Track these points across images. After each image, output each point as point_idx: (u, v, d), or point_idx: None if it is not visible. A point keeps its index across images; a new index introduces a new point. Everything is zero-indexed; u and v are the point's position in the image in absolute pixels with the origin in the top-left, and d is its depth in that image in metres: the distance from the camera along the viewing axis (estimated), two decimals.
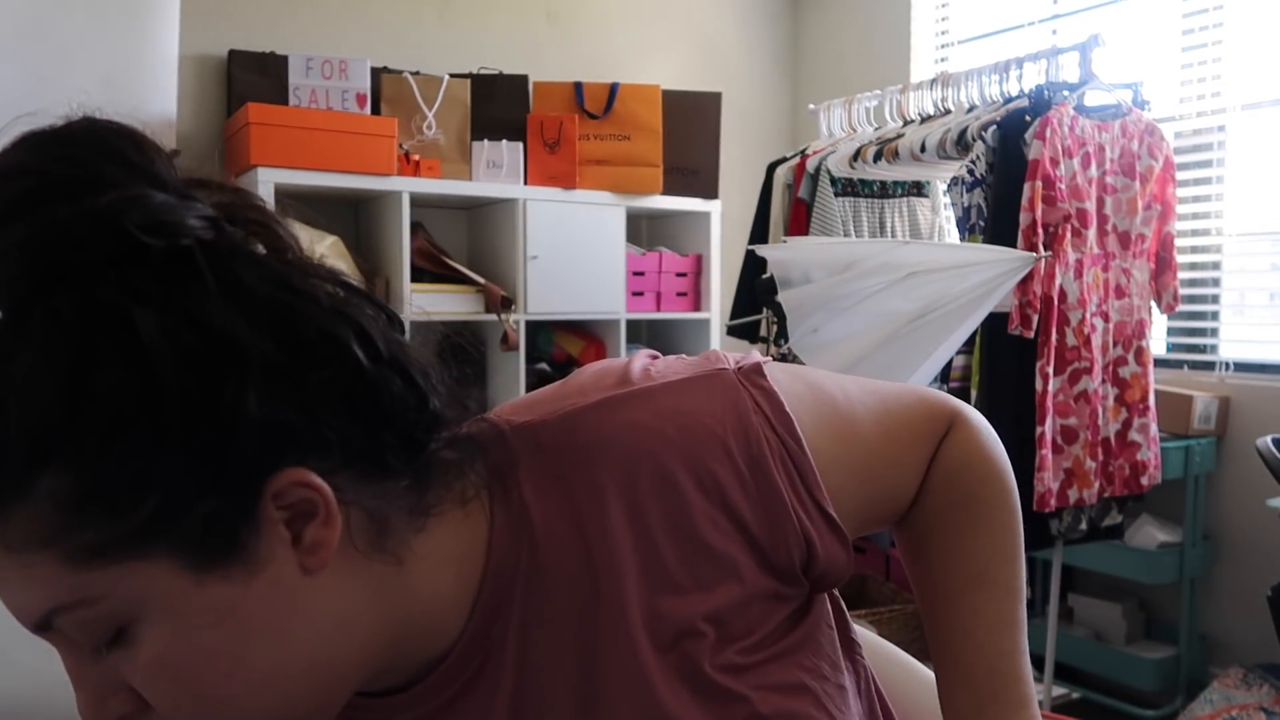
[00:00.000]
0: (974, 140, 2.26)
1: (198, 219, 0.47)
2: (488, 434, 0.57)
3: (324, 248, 2.48)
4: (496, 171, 2.76)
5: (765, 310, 2.69)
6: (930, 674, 0.91)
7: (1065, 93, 2.20)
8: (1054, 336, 2.09)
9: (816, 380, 0.65)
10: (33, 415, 0.43)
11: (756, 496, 0.57)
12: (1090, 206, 2.16)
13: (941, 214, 2.89)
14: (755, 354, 0.63)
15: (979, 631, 0.66)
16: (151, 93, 2.21)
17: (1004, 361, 2.15)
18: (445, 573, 0.54)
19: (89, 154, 0.46)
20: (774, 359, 2.73)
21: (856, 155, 2.62)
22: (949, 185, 2.45)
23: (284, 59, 2.62)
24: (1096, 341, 2.18)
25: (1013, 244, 2.07)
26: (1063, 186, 2.10)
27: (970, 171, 2.24)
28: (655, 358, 0.63)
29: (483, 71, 2.88)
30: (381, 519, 0.51)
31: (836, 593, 0.68)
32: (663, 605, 0.55)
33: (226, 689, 0.48)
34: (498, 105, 2.84)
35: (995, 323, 2.11)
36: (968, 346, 2.24)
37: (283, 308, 0.47)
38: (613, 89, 2.91)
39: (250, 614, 0.47)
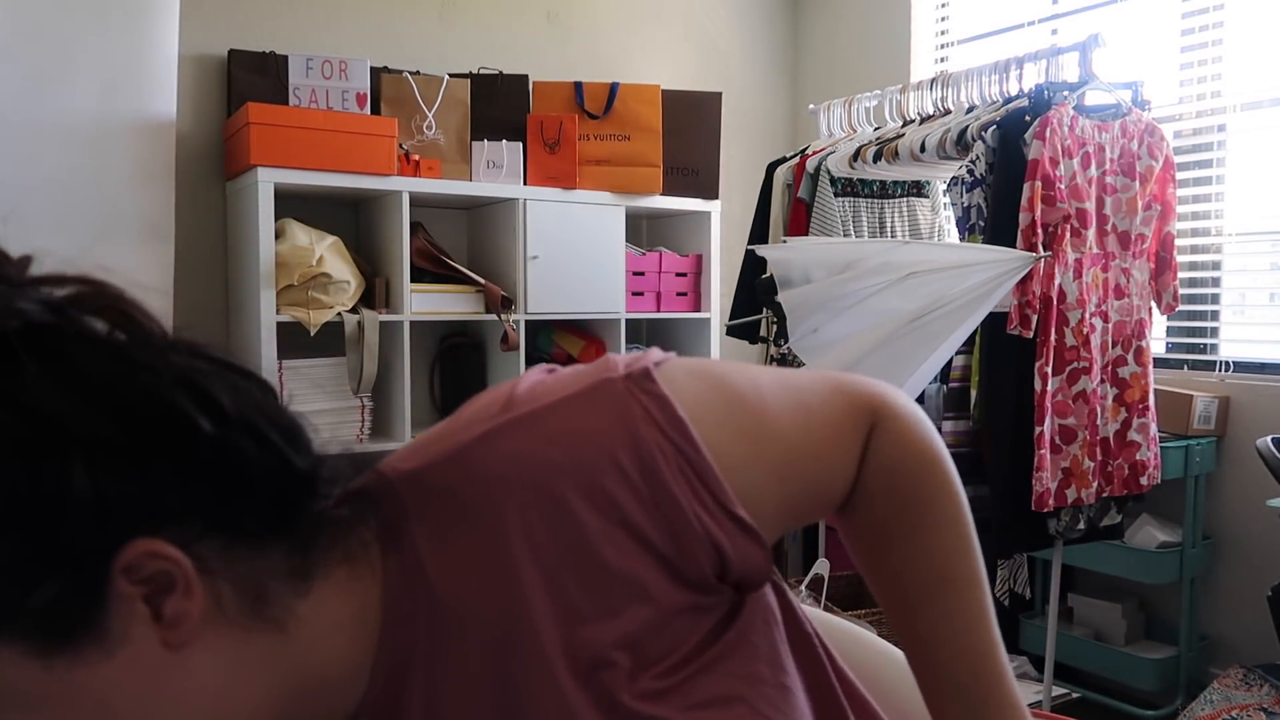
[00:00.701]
0: (974, 140, 2.26)
1: (32, 304, 0.45)
2: (375, 487, 0.55)
3: (324, 248, 2.48)
4: (496, 171, 2.77)
5: (765, 310, 2.69)
6: (864, 632, 0.90)
7: (1065, 93, 2.20)
8: (1053, 336, 2.09)
9: (722, 377, 0.63)
10: None
11: (655, 508, 0.55)
12: (1090, 206, 2.16)
13: (941, 214, 2.89)
14: (651, 353, 0.61)
15: (954, 636, 0.65)
16: (151, 93, 2.21)
17: (1003, 361, 2.15)
18: (338, 637, 0.52)
19: None
20: (774, 359, 2.74)
21: (856, 155, 2.62)
22: (949, 185, 2.46)
23: (284, 59, 2.62)
24: (1096, 341, 2.18)
25: (1012, 244, 2.07)
26: (1062, 186, 2.10)
27: (970, 171, 2.24)
28: (551, 371, 0.61)
29: (483, 71, 2.88)
30: (255, 585, 0.49)
31: (783, 586, 0.66)
32: (576, 635, 0.53)
33: None
34: (498, 105, 2.84)
35: (995, 323, 2.11)
36: (967, 346, 2.24)
37: (117, 383, 0.45)
38: (613, 89, 2.91)
39: (116, 698, 0.45)
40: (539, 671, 0.53)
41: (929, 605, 0.66)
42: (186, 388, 0.47)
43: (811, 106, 3.01)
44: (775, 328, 2.70)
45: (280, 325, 2.42)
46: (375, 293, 2.62)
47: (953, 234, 2.74)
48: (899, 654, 0.92)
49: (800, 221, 2.72)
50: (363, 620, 0.53)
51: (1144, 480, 2.28)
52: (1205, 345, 2.68)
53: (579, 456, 0.55)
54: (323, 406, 2.54)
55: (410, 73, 2.77)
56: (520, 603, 0.53)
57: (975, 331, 2.14)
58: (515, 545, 0.53)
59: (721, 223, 3.13)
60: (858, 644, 0.92)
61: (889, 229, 2.81)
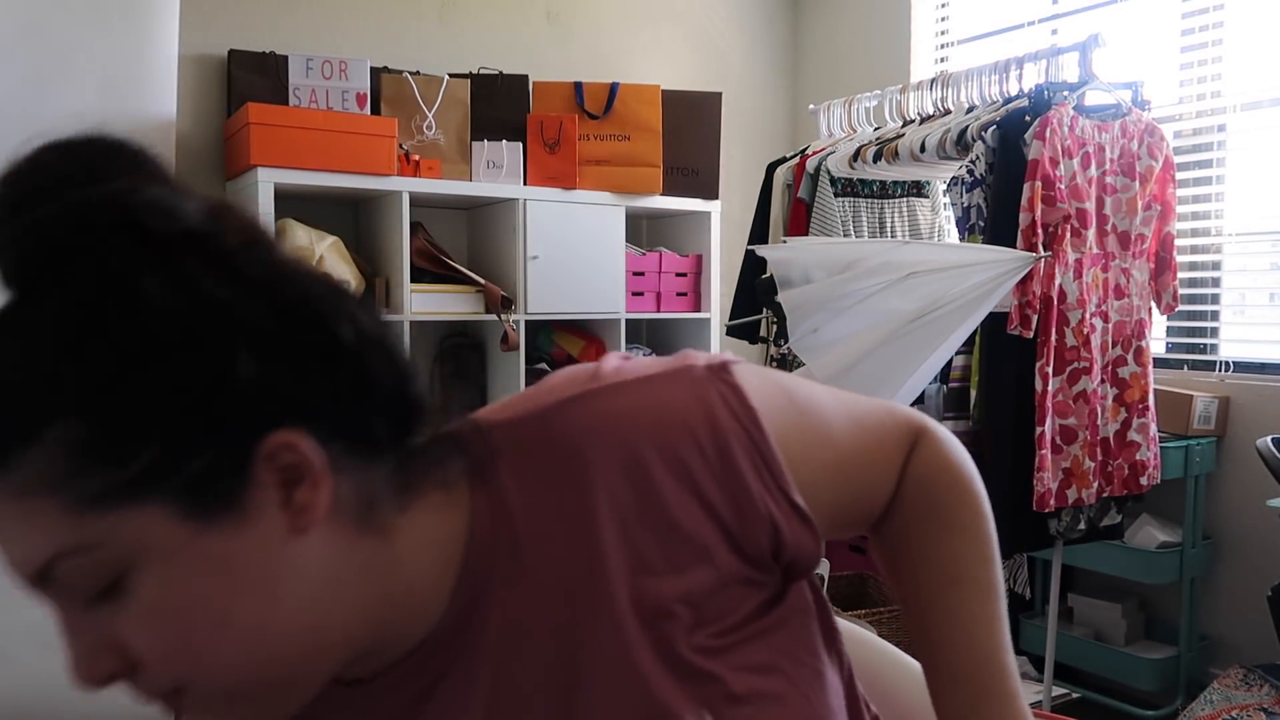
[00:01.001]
0: (974, 140, 2.26)
1: (194, 209, 0.51)
2: (469, 431, 0.60)
3: (324, 248, 2.48)
4: (496, 171, 2.76)
5: (765, 310, 2.69)
6: (883, 643, 0.92)
7: (1065, 93, 2.20)
8: (1053, 336, 2.09)
9: (787, 383, 0.68)
10: (44, 369, 0.46)
11: (724, 483, 0.59)
12: (1090, 207, 2.16)
13: (941, 214, 2.89)
14: (727, 354, 0.66)
15: (960, 630, 0.68)
16: (151, 93, 2.21)
17: (1003, 361, 2.15)
18: (427, 556, 0.57)
19: (97, 156, 0.51)
20: (774, 359, 2.74)
21: (856, 155, 2.62)
22: (949, 185, 2.46)
23: (284, 59, 2.62)
24: (1096, 341, 2.18)
25: (1012, 244, 2.07)
26: (1062, 187, 2.10)
27: (970, 171, 2.24)
28: (627, 359, 0.65)
29: (483, 71, 2.88)
30: (368, 493, 0.54)
31: (818, 584, 0.70)
32: (643, 585, 0.57)
33: (216, 642, 0.49)
34: (498, 105, 2.84)
35: (995, 323, 2.11)
36: (967, 346, 2.24)
37: (273, 284, 0.51)
38: (613, 89, 2.91)
39: (241, 567, 0.49)
40: (606, 613, 0.57)
41: (940, 600, 0.69)
42: (331, 300, 0.53)
43: (811, 106, 3.01)
44: (775, 328, 2.70)
45: None
46: (375, 293, 2.62)
47: (953, 234, 2.74)
48: (900, 655, 0.92)
49: (800, 221, 2.72)
50: (449, 545, 0.57)
51: (1144, 480, 2.28)
52: (1205, 345, 2.68)
53: (661, 426, 0.59)
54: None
55: (410, 73, 2.77)
56: (595, 548, 0.57)
57: (975, 331, 2.14)
58: (596, 496, 0.57)
59: (721, 223, 3.13)
60: (860, 644, 0.92)
61: (889, 229, 2.81)
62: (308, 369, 0.51)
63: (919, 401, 2.49)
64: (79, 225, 0.47)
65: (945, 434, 0.74)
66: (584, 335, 2.99)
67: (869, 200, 2.78)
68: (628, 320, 2.94)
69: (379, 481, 0.54)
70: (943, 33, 3.36)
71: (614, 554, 0.57)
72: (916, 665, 0.90)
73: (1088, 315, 2.15)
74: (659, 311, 3.04)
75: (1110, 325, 2.23)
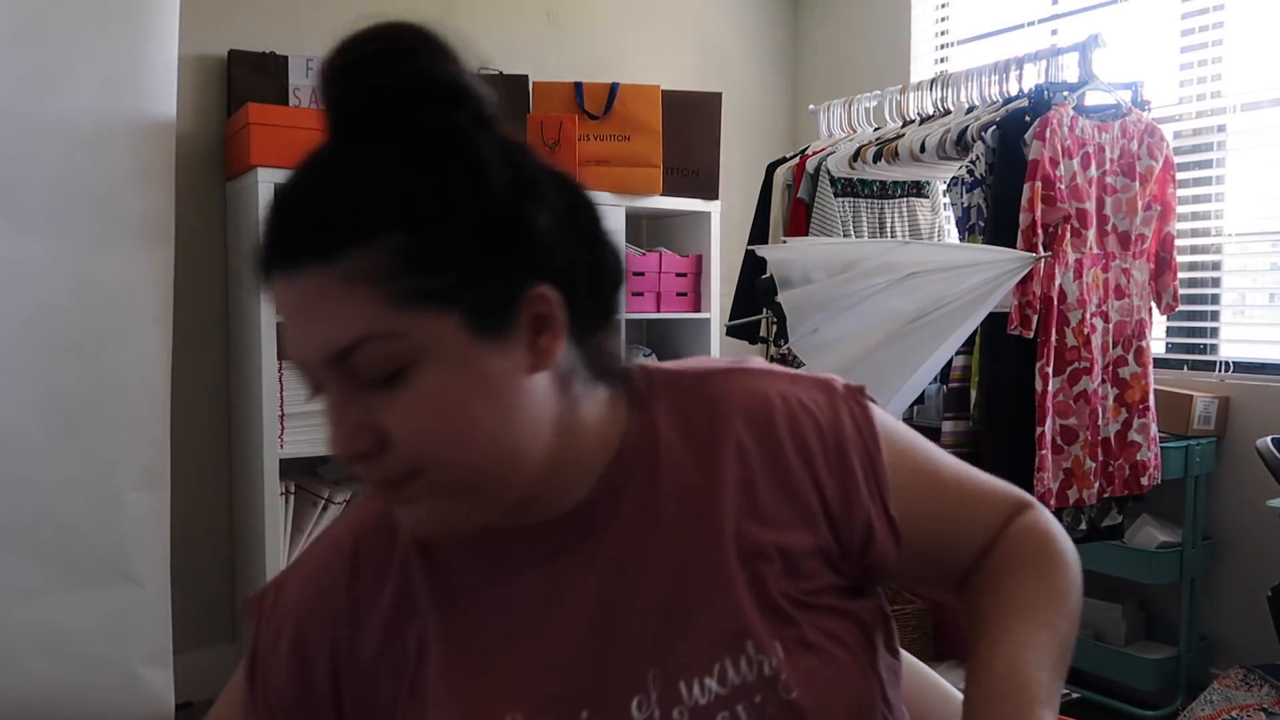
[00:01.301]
0: (974, 141, 2.26)
1: (488, 95, 0.64)
2: (638, 370, 0.73)
3: None
4: None
5: (765, 310, 2.69)
6: (929, 671, 0.92)
7: (1065, 93, 2.20)
8: (1054, 337, 2.09)
9: (911, 433, 0.77)
10: (390, 189, 0.57)
11: (838, 474, 0.70)
12: (1090, 207, 2.16)
13: (941, 214, 2.89)
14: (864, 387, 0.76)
15: (1008, 645, 0.68)
16: (151, 93, 2.21)
17: (1004, 361, 2.15)
18: (591, 436, 0.68)
19: (418, 39, 0.61)
20: (774, 359, 2.74)
21: (856, 155, 2.62)
22: (949, 185, 2.46)
23: (284, 59, 2.62)
24: (1096, 342, 2.18)
25: (1012, 244, 2.07)
26: (1062, 187, 2.10)
27: (970, 172, 2.24)
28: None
29: (482, 72, 2.88)
30: (572, 363, 0.65)
31: (888, 610, 0.76)
32: (747, 527, 0.68)
33: (460, 436, 0.60)
34: (498, 105, 2.84)
35: (995, 323, 2.11)
36: (967, 346, 2.24)
37: (559, 174, 0.66)
38: (613, 89, 2.91)
39: (493, 382, 0.60)
40: (714, 541, 0.67)
41: (997, 626, 0.70)
42: (594, 203, 0.67)
43: (811, 107, 3.01)
44: (775, 328, 2.70)
45: (280, 325, 2.42)
46: None
47: (953, 234, 2.74)
48: (943, 684, 0.94)
49: (800, 222, 2.72)
50: (607, 439, 0.69)
51: (1144, 480, 2.28)
52: (1205, 345, 2.68)
53: (796, 411, 0.71)
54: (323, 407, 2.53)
55: None
56: (716, 484, 0.68)
57: (975, 331, 2.14)
58: (728, 445, 0.69)
59: (721, 223, 3.13)
60: (906, 667, 0.93)
61: (889, 229, 2.81)
62: (574, 246, 0.63)
63: (919, 401, 2.49)
64: (428, 93, 0.59)
65: (1051, 515, 0.79)
66: None
67: (869, 200, 2.78)
68: (627, 320, 2.94)
69: (581, 360, 0.66)
70: (943, 33, 3.36)
71: (729, 494, 0.68)
72: (919, 665, 0.91)
73: (1088, 315, 2.15)
74: (659, 312, 3.04)
75: (1110, 325, 2.23)
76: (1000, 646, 0.68)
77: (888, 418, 0.75)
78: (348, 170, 0.59)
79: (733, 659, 0.64)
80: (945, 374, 2.32)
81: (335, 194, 0.58)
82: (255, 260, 0.60)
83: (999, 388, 2.16)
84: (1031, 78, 2.35)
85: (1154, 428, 2.30)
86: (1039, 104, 2.18)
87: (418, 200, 0.57)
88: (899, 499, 0.71)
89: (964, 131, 2.32)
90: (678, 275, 3.07)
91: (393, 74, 0.59)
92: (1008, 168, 2.14)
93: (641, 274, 2.99)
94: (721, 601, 0.66)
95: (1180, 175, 2.48)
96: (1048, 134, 2.07)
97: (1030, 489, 2.10)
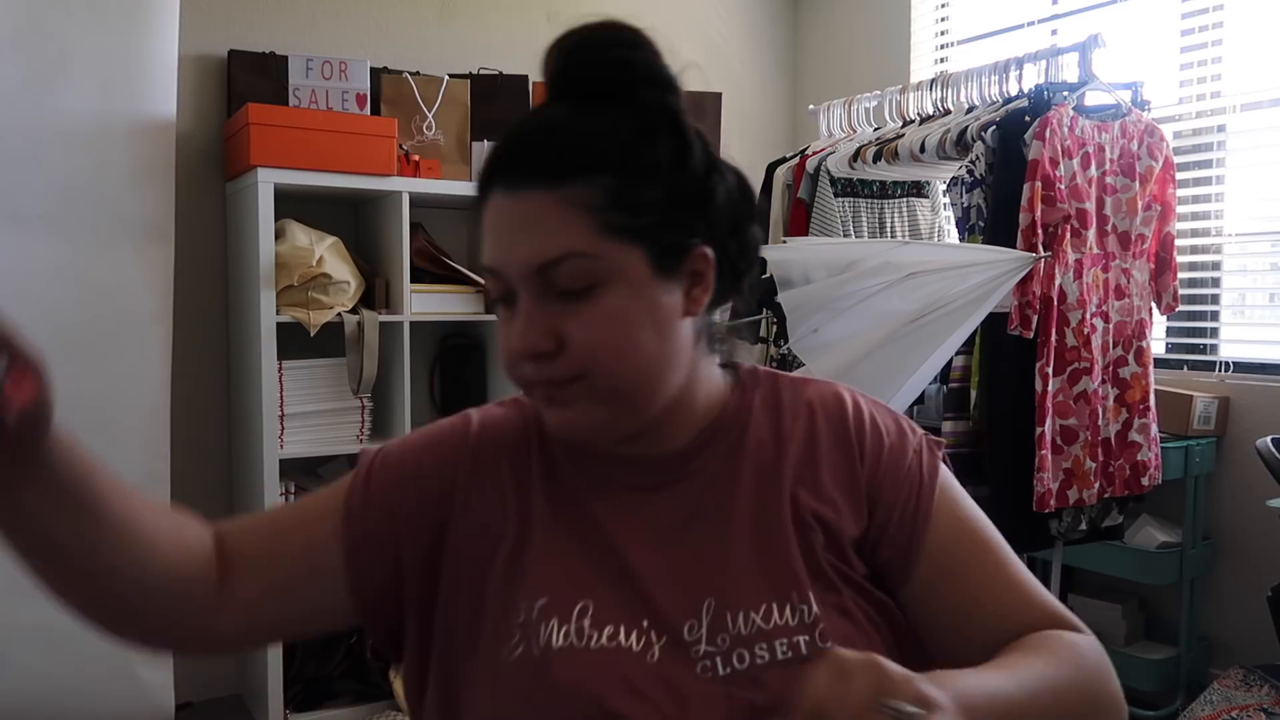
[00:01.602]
0: (974, 140, 2.26)
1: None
2: (745, 365, 0.88)
3: (324, 248, 2.48)
4: None
5: (765, 310, 2.69)
6: None
7: (1065, 93, 2.20)
8: (1054, 337, 2.09)
9: (976, 509, 0.84)
10: (616, 140, 0.72)
11: (886, 482, 0.80)
12: (1090, 207, 2.16)
13: (941, 214, 2.89)
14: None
15: (976, 675, 0.67)
16: (151, 93, 2.21)
17: (1004, 362, 2.15)
18: (700, 397, 0.81)
19: (639, 36, 0.78)
20: (774, 359, 2.74)
21: (856, 155, 2.62)
22: (949, 185, 2.45)
23: (284, 59, 2.62)
24: (1096, 342, 2.18)
25: (1012, 244, 2.07)
26: (1062, 187, 2.10)
27: (970, 172, 2.24)
28: None
29: (483, 71, 2.88)
30: (700, 330, 0.80)
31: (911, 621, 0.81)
32: (801, 494, 0.79)
33: (628, 349, 0.72)
34: (498, 105, 2.84)
35: (995, 323, 2.11)
36: (968, 346, 2.24)
37: (730, 166, 0.81)
38: None
39: (658, 313, 0.74)
40: (776, 502, 0.78)
41: (1004, 656, 0.73)
42: (751, 191, 0.83)
43: (811, 107, 3.01)
44: (775, 328, 2.70)
45: (280, 326, 2.42)
46: (375, 293, 2.62)
47: (953, 234, 2.74)
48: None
49: (800, 222, 2.71)
50: (712, 406, 0.82)
51: (1145, 481, 2.28)
52: (1205, 345, 2.68)
53: (869, 421, 0.83)
54: (323, 407, 2.54)
55: (410, 73, 2.77)
56: (784, 455, 0.81)
57: (975, 331, 2.14)
58: (800, 426, 0.82)
59: None
60: None
61: (889, 229, 2.81)
62: (736, 221, 0.78)
63: (919, 401, 2.49)
64: (648, 77, 0.75)
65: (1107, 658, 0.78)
66: None
67: (869, 200, 2.78)
68: None
69: (712, 326, 0.82)
70: (943, 33, 3.36)
71: (793, 464, 0.80)
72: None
73: (1088, 315, 2.15)
74: None
75: (1111, 325, 2.23)
76: (967, 674, 0.67)
77: (956, 483, 0.83)
78: (581, 120, 0.73)
79: (779, 602, 0.74)
80: (945, 374, 2.31)
81: (569, 135, 0.72)
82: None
83: (999, 388, 2.16)
84: (1031, 78, 2.35)
85: (1154, 428, 2.30)
86: (1039, 104, 2.17)
87: (633, 154, 0.72)
88: (934, 541, 0.78)
89: (964, 131, 2.32)
90: None
91: (624, 55, 0.75)
92: (1008, 168, 2.14)
93: None
94: (777, 554, 0.76)
95: (1180, 175, 2.47)
96: (1048, 134, 2.07)
97: (1030, 489, 2.10)
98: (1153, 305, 2.33)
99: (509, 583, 0.75)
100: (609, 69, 0.75)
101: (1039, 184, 2.06)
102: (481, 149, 2.76)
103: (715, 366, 0.84)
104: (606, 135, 0.72)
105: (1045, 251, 2.06)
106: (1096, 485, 2.20)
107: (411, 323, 2.60)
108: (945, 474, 0.82)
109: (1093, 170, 2.17)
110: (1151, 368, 2.30)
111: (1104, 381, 2.21)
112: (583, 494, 0.79)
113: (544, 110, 0.76)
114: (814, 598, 0.74)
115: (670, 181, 0.73)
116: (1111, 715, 0.75)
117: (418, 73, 2.79)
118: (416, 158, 2.65)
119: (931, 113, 2.60)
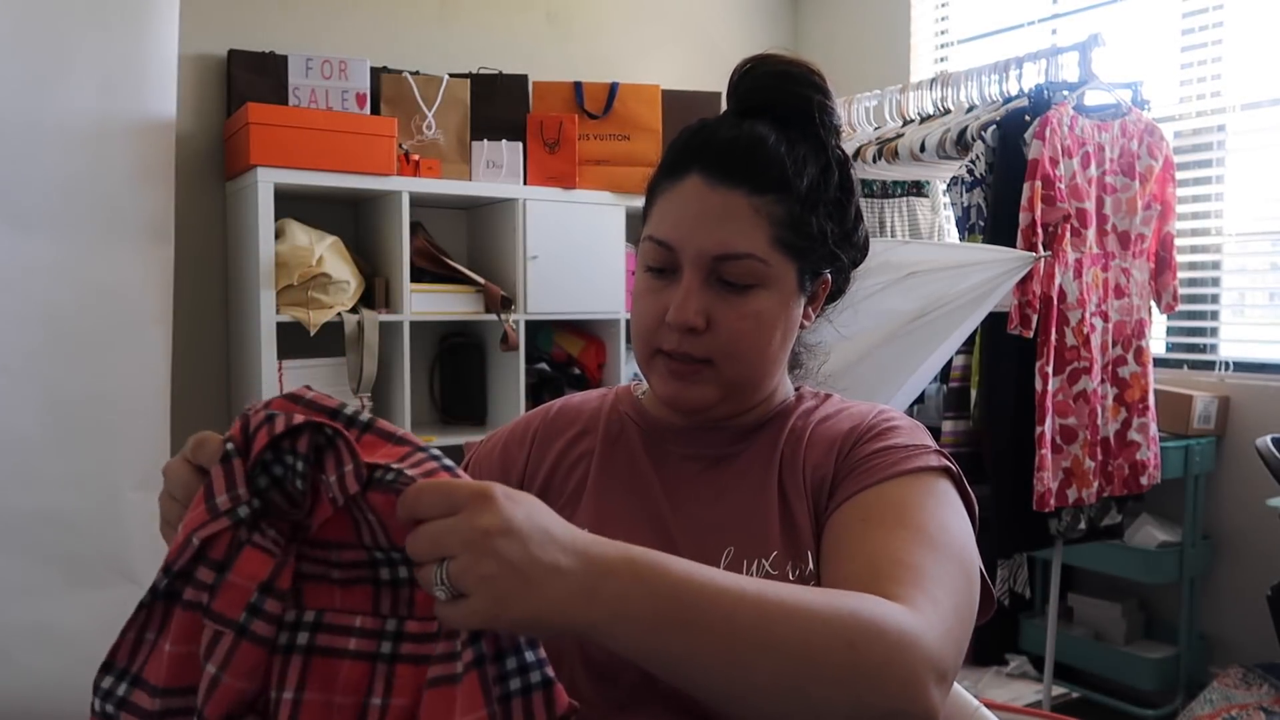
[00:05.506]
0: (974, 140, 2.26)
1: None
2: (811, 388, 0.99)
3: (324, 248, 2.48)
4: (496, 171, 2.76)
5: None
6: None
7: (1065, 93, 2.20)
8: (1053, 336, 2.09)
9: (943, 508, 0.84)
10: (810, 170, 0.86)
11: (865, 449, 0.87)
12: (1090, 206, 2.16)
13: (941, 214, 2.89)
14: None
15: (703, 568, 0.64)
16: (151, 93, 2.21)
17: (1004, 361, 2.15)
18: (779, 394, 0.95)
19: (809, 70, 0.89)
20: None
21: (856, 155, 2.62)
22: (949, 185, 2.45)
23: (284, 59, 2.62)
24: (1096, 341, 2.18)
25: (1012, 244, 2.07)
26: (1062, 186, 2.10)
27: (970, 171, 2.24)
28: None
29: (483, 71, 2.88)
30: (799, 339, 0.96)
31: None
32: (808, 464, 0.88)
33: (762, 347, 0.86)
34: (497, 105, 2.84)
35: (995, 322, 2.11)
36: (967, 346, 2.24)
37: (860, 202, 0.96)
38: (612, 89, 2.91)
39: (790, 321, 0.89)
40: (796, 486, 0.87)
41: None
42: (865, 227, 0.99)
43: None
44: None
45: (280, 325, 2.42)
46: (375, 293, 2.62)
47: (953, 234, 2.74)
48: (964, 694, 0.96)
49: None
50: (774, 403, 0.94)
51: (1144, 480, 2.28)
52: (1205, 345, 2.69)
53: (888, 424, 0.90)
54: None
55: (410, 73, 2.77)
56: (800, 439, 0.90)
57: (975, 331, 2.14)
58: (820, 426, 0.91)
59: None
60: None
61: (889, 229, 2.81)
62: (855, 262, 0.97)
63: (919, 401, 2.49)
64: (832, 123, 0.90)
65: (933, 652, 0.65)
66: (584, 335, 2.99)
67: (869, 200, 2.78)
68: (628, 320, 2.94)
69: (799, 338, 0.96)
70: (943, 33, 3.36)
71: (799, 447, 0.90)
72: (971, 700, 1.02)
73: (1088, 315, 2.15)
74: None
75: (1110, 325, 2.23)
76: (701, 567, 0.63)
77: (949, 500, 0.82)
78: (782, 145, 0.85)
79: (790, 556, 0.83)
80: (945, 374, 2.32)
81: (775, 154, 0.84)
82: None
83: (999, 387, 2.16)
84: (1031, 77, 2.35)
85: (1154, 427, 2.30)
86: (1039, 103, 2.17)
87: (814, 187, 0.86)
88: (870, 496, 0.82)
89: (964, 131, 2.32)
90: None
91: (817, 98, 0.88)
92: (1007, 167, 2.14)
93: None
94: (794, 522, 0.85)
95: (1180, 175, 2.48)
96: (1047, 133, 2.07)
97: (1030, 488, 2.10)
98: (1152, 305, 2.33)
99: None
100: (802, 104, 0.87)
101: (1039, 183, 2.06)
102: (481, 149, 2.76)
103: (785, 371, 0.96)
104: (800, 165, 0.85)
105: (1045, 251, 2.06)
106: (1096, 484, 2.20)
107: (411, 322, 2.60)
108: (937, 483, 0.82)
109: (1092, 170, 2.17)
110: (1151, 367, 2.30)
111: (1103, 381, 2.21)
112: (642, 460, 0.92)
113: (743, 122, 0.86)
114: (811, 557, 0.83)
115: (836, 218, 0.89)
116: (869, 665, 0.62)
117: (418, 72, 2.79)
118: (416, 157, 2.65)
119: (931, 112, 2.60)
